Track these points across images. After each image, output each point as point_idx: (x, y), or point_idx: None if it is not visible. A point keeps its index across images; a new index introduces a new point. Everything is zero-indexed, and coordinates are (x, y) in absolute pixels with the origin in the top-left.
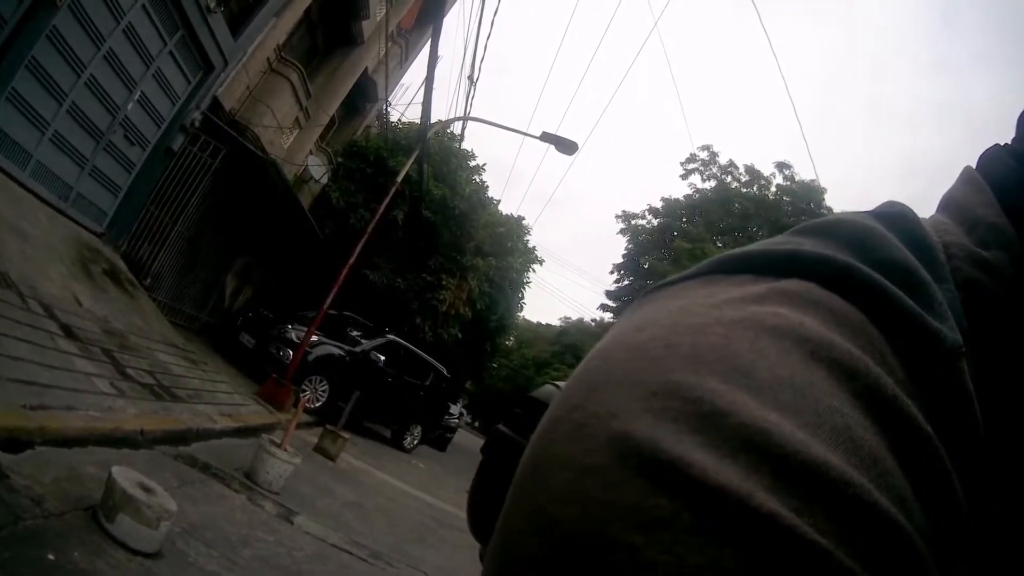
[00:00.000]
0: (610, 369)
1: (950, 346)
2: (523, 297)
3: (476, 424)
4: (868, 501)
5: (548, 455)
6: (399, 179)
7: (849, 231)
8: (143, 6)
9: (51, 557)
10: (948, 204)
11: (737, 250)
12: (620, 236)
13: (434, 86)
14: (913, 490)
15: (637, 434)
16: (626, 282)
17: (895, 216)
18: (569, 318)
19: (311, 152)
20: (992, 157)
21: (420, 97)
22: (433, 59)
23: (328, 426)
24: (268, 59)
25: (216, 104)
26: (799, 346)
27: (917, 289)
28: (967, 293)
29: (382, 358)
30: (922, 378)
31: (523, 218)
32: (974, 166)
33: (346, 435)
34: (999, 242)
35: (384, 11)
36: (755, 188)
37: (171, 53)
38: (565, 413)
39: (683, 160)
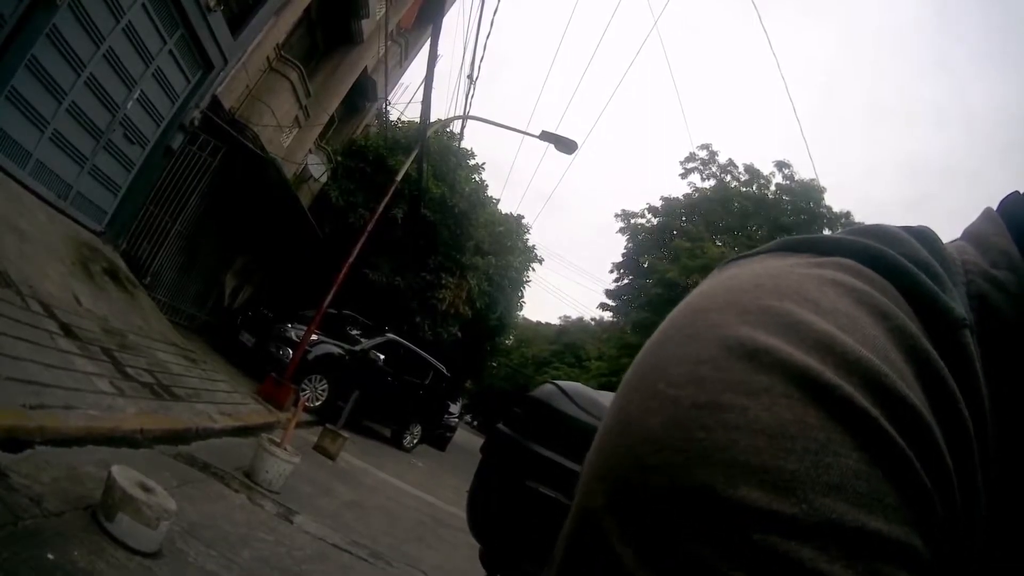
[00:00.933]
0: (711, 300)
1: (956, 317)
2: (523, 296)
3: (475, 423)
4: (900, 392)
5: (665, 355)
6: (398, 178)
7: (884, 232)
8: (143, 5)
9: (50, 556)
10: (968, 234)
11: (799, 236)
12: (619, 235)
13: (433, 85)
14: (930, 404)
15: (741, 334)
16: (626, 281)
17: (922, 231)
18: (569, 317)
19: (311, 151)
20: (1011, 202)
21: (420, 96)
22: (432, 58)
23: (328, 425)
24: (268, 58)
25: (216, 103)
26: (849, 293)
27: (934, 278)
28: (979, 302)
29: (382, 357)
30: (934, 340)
31: (522, 217)
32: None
33: (346, 434)
34: (1008, 265)
35: (384, 10)
36: (755, 187)
37: (171, 52)
38: (675, 331)
39: (682, 159)
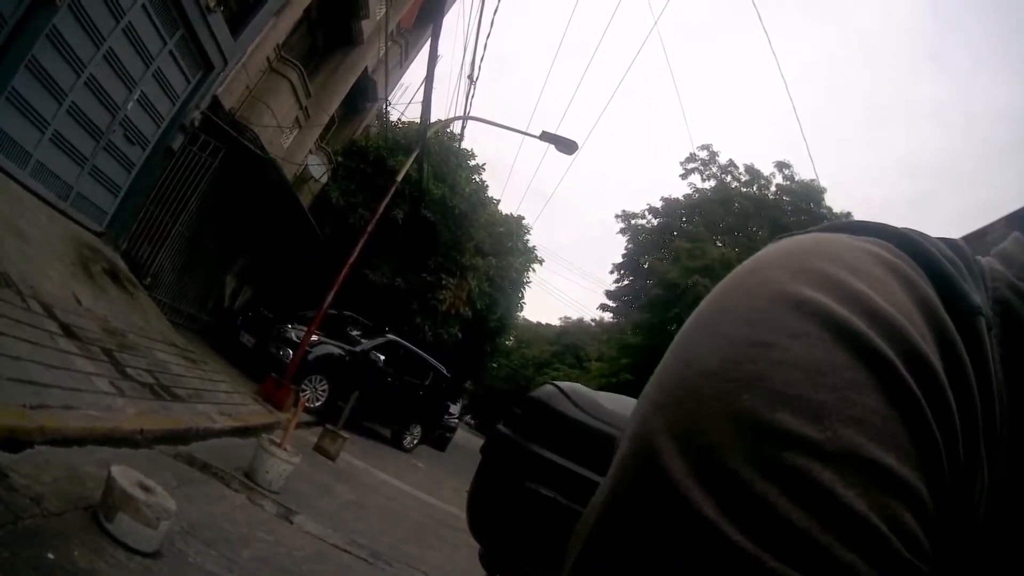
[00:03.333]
0: (766, 263)
1: (973, 304)
2: (523, 297)
3: (475, 423)
4: (920, 348)
5: (724, 306)
6: (399, 178)
7: (920, 232)
8: (143, 5)
9: (50, 556)
10: (997, 252)
11: (843, 220)
12: (620, 236)
13: (434, 85)
14: (944, 369)
15: (788, 288)
16: (626, 282)
17: (955, 241)
18: (569, 318)
19: (311, 151)
20: None
21: (420, 96)
22: (433, 58)
23: (328, 426)
24: (268, 58)
25: (216, 103)
26: (883, 264)
27: (958, 272)
28: (1002, 307)
29: (382, 358)
30: (952, 321)
31: (523, 218)
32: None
33: (346, 435)
34: None
35: (384, 10)
36: (755, 188)
37: (171, 52)
38: (733, 288)
39: (683, 160)
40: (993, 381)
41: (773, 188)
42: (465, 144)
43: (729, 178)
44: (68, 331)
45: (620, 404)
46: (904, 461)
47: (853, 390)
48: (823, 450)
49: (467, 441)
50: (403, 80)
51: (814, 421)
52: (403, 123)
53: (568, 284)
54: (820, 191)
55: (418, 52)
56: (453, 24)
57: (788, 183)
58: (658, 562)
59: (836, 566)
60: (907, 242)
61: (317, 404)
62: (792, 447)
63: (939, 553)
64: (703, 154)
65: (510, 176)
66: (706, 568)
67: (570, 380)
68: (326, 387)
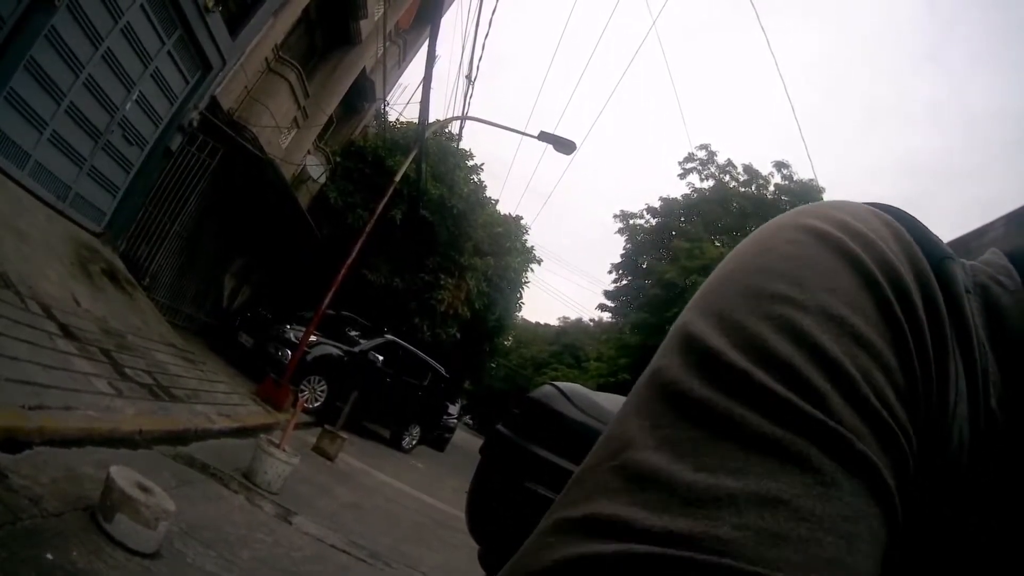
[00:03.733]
0: (797, 212)
1: (945, 251)
2: (521, 297)
3: (473, 424)
4: (891, 261)
5: (746, 241)
6: (397, 179)
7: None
8: (141, 6)
9: (49, 557)
10: (977, 260)
11: None
12: (618, 236)
13: (432, 85)
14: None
15: (791, 218)
16: (624, 282)
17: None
18: (568, 318)
19: (309, 152)
20: (1015, 247)
21: (418, 96)
22: (431, 58)
23: (327, 426)
24: (266, 59)
25: (214, 104)
26: (874, 212)
27: (936, 243)
28: (982, 290)
29: (380, 358)
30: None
31: (521, 218)
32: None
33: (344, 435)
34: (1007, 273)
35: (382, 10)
36: (753, 187)
37: (169, 53)
38: (755, 233)
39: (681, 159)
40: (971, 326)
41: (771, 188)
42: (463, 144)
43: (727, 178)
44: (67, 332)
45: (619, 404)
46: (872, 327)
47: (831, 273)
48: (804, 305)
49: (466, 441)
50: (401, 80)
51: (799, 287)
52: (401, 123)
53: (566, 284)
54: (819, 191)
55: (416, 52)
56: (451, 24)
57: (786, 183)
58: (691, 388)
59: (812, 391)
60: (897, 211)
61: (316, 405)
62: (782, 303)
63: (917, 469)
64: (701, 154)
65: (508, 176)
66: (718, 384)
67: (569, 380)
68: (325, 388)
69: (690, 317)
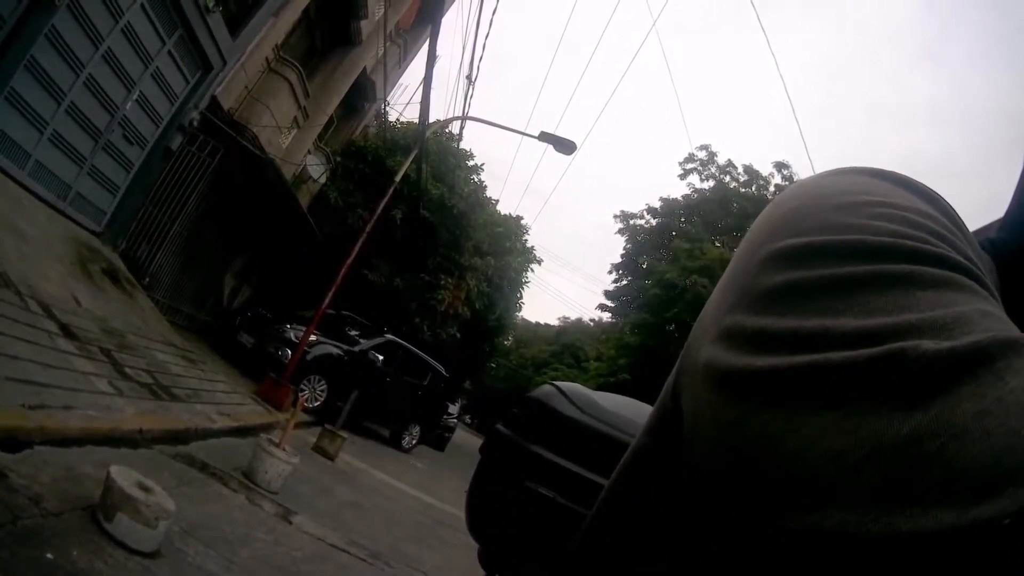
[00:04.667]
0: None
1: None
2: (521, 297)
3: (473, 423)
4: (932, 193)
5: (785, 191)
6: (397, 179)
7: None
8: (142, 6)
9: (49, 556)
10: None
11: None
12: (619, 236)
13: (432, 85)
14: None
15: (838, 168)
16: (624, 282)
17: None
18: (568, 318)
19: (309, 152)
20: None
21: (418, 96)
22: (431, 58)
23: (327, 426)
24: (267, 59)
25: (214, 104)
26: (903, 184)
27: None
28: (990, 244)
29: (380, 358)
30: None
31: (521, 218)
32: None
33: (344, 435)
34: (989, 245)
35: (382, 10)
36: (754, 188)
37: (170, 53)
38: (814, 189)
39: (681, 160)
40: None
41: (772, 188)
42: (464, 144)
43: (728, 178)
44: (67, 331)
45: (619, 404)
46: (926, 241)
47: (885, 195)
48: (859, 227)
49: (466, 441)
50: (402, 80)
51: (850, 215)
52: (402, 123)
53: (567, 284)
54: None
55: (417, 52)
56: (452, 24)
57: (787, 183)
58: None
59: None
60: (913, 182)
61: (316, 404)
62: (840, 231)
63: None
64: (702, 154)
65: (508, 176)
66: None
67: (569, 380)
68: (325, 387)
69: (760, 259)
